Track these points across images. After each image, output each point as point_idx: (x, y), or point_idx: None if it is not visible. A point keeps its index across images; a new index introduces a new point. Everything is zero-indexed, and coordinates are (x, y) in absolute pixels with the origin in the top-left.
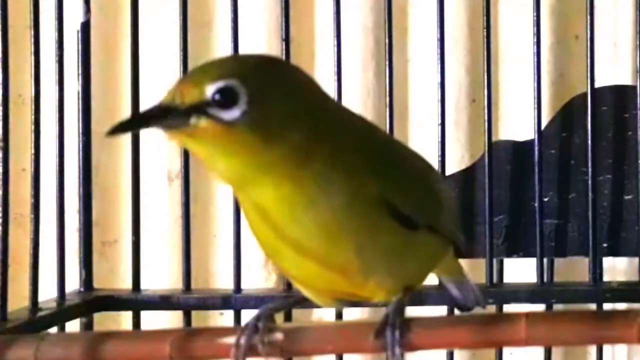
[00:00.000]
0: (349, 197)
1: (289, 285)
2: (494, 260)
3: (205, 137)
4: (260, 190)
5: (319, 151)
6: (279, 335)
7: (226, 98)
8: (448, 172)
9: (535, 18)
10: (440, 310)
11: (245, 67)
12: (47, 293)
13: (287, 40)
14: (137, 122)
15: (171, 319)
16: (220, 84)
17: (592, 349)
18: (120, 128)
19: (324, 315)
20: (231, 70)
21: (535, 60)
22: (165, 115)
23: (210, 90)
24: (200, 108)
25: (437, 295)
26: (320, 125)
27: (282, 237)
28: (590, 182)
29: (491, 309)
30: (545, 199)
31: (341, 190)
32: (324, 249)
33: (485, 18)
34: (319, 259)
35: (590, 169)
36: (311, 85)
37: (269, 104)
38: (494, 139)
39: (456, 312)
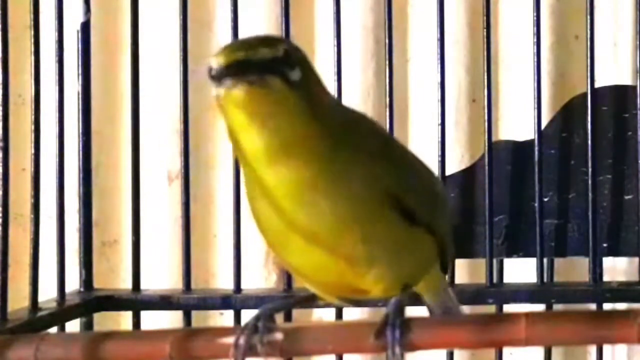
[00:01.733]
0: (364, 186)
1: (289, 285)
2: (494, 260)
3: (272, 95)
4: (284, 168)
5: (344, 138)
6: (278, 335)
7: (289, 60)
8: (448, 172)
9: (535, 18)
10: None
11: (288, 41)
12: (47, 293)
13: None
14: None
15: (171, 319)
16: (284, 46)
17: (592, 349)
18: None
19: (324, 315)
20: (281, 40)
21: (535, 60)
22: (247, 69)
23: (280, 49)
24: (274, 65)
25: None
26: (345, 115)
27: (291, 223)
28: (590, 182)
29: (491, 309)
30: (545, 199)
31: (359, 178)
32: (332, 235)
33: (485, 18)
34: (326, 245)
35: (590, 169)
36: None
37: (311, 79)
38: (494, 139)
39: None
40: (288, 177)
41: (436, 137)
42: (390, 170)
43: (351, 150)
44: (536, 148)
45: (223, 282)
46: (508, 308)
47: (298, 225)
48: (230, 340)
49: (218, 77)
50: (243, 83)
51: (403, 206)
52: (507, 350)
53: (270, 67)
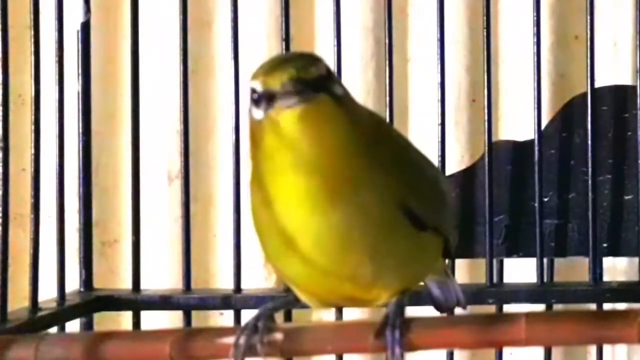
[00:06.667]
0: (375, 198)
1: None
2: (494, 260)
3: (325, 112)
4: (311, 179)
5: (367, 151)
6: (278, 335)
7: (332, 77)
8: (448, 172)
9: (535, 18)
10: None
11: (321, 59)
12: (47, 293)
13: (287, 40)
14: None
15: (171, 319)
16: (324, 63)
17: (592, 349)
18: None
19: (324, 315)
20: (317, 57)
21: (535, 60)
22: (303, 89)
23: (323, 67)
24: (322, 82)
25: None
26: (370, 122)
27: (291, 246)
28: (590, 182)
29: (491, 309)
30: (545, 199)
31: (371, 191)
32: (333, 261)
33: (485, 18)
34: (326, 270)
35: (590, 169)
36: None
37: (347, 95)
38: (494, 139)
39: (456, 311)
40: (307, 188)
41: (436, 137)
42: (404, 181)
43: (369, 163)
44: (536, 148)
45: (223, 282)
46: (508, 308)
47: (299, 251)
48: (230, 340)
49: (268, 98)
50: (300, 102)
51: (413, 215)
52: (507, 350)
53: (320, 84)
